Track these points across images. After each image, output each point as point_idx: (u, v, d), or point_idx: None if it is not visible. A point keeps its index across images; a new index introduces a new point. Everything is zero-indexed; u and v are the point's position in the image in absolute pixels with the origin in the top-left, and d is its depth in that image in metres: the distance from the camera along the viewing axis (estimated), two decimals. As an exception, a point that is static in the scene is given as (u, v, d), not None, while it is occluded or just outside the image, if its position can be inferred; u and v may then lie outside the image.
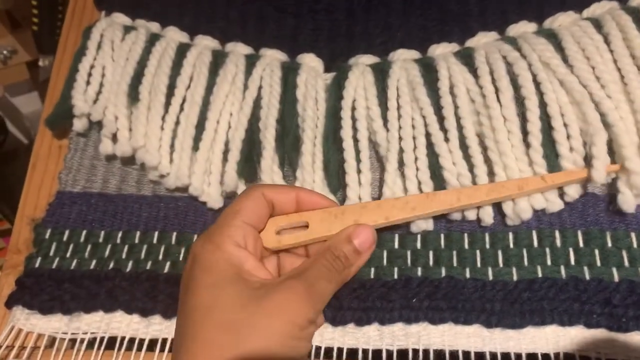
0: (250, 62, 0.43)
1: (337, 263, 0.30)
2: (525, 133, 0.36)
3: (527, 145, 0.36)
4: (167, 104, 0.42)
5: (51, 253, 0.40)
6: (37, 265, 0.40)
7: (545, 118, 0.36)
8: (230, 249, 0.29)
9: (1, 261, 0.78)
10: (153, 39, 0.45)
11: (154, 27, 0.47)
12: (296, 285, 0.29)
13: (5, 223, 0.85)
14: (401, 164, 0.38)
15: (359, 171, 0.39)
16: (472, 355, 0.33)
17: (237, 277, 0.29)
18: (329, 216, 0.33)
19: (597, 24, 0.39)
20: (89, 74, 0.44)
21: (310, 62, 0.44)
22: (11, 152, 0.95)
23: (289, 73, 0.43)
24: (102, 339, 0.37)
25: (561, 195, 0.35)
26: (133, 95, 0.43)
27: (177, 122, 0.42)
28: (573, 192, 0.35)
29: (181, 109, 0.42)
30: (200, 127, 0.41)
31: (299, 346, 0.28)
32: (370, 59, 0.43)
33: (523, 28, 0.40)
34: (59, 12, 0.90)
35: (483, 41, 0.41)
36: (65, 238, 0.41)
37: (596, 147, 0.34)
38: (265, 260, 0.33)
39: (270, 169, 0.39)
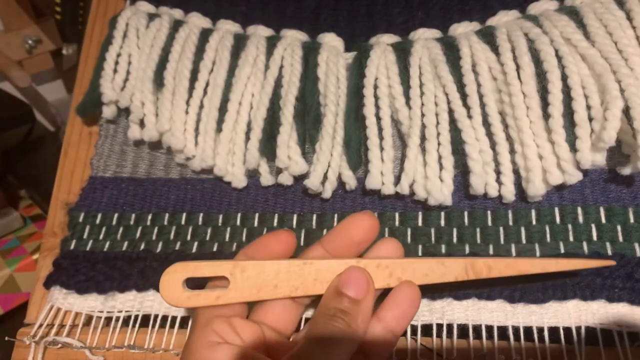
0: (271, 43, 0.44)
1: (335, 322, 0.26)
2: (546, 108, 0.36)
3: (547, 118, 0.36)
4: (191, 88, 0.43)
5: (85, 236, 0.42)
6: (72, 247, 0.41)
7: (566, 90, 0.36)
8: (204, 353, 0.26)
9: (34, 244, 0.81)
10: (176, 26, 0.46)
11: (177, 13, 0.48)
12: None
13: (35, 208, 0.88)
14: (423, 140, 0.38)
15: (381, 148, 0.39)
16: (495, 329, 0.34)
17: None
18: (295, 267, 0.28)
19: (619, 0, 0.38)
20: (116, 62, 0.45)
21: (331, 42, 0.44)
22: (38, 140, 0.98)
23: (310, 52, 0.43)
24: (136, 317, 0.39)
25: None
26: (158, 81, 0.44)
27: (201, 106, 0.43)
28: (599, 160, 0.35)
29: (205, 92, 0.43)
30: (223, 109, 0.42)
31: None
32: (391, 38, 0.43)
33: (544, 6, 0.40)
34: (81, 1, 0.92)
35: (504, 20, 0.41)
36: (98, 221, 0.42)
37: (610, 111, 0.33)
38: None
39: (286, 145, 0.40)
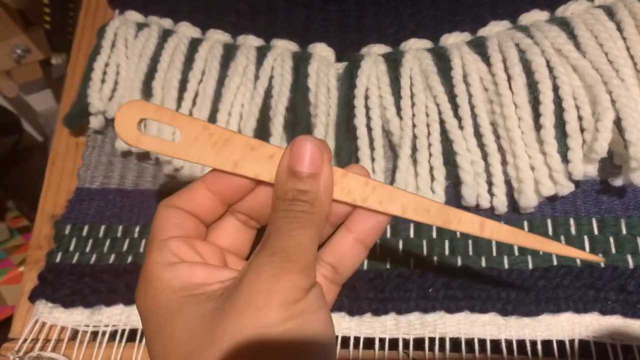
0: (262, 53, 0.44)
1: (297, 206, 0.24)
2: (537, 119, 0.36)
3: (539, 129, 0.36)
4: (180, 98, 0.43)
5: (71, 248, 0.41)
6: (58, 260, 0.41)
7: (558, 101, 0.36)
8: (163, 275, 0.24)
9: (21, 257, 0.80)
10: (165, 35, 0.46)
11: (167, 23, 0.47)
12: (263, 260, 0.23)
13: (23, 220, 0.87)
14: (414, 150, 0.38)
15: (372, 159, 0.39)
16: (488, 342, 0.34)
17: (186, 300, 0.24)
18: (253, 152, 0.25)
19: (609, 11, 0.38)
20: (104, 72, 0.44)
21: (322, 52, 0.44)
22: (26, 150, 0.97)
23: (301, 62, 0.43)
24: (123, 331, 0.38)
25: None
26: (147, 92, 0.43)
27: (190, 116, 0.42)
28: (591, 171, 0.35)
29: (194, 103, 0.43)
30: (212, 119, 0.42)
31: (303, 321, 0.22)
32: (382, 48, 0.43)
33: (536, 16, 0.40)
34: (70, 10, 0.91)
35: (495, 30, 0.41)
36: (84, 233, 0.42)
37: (601, 122, 0.33)
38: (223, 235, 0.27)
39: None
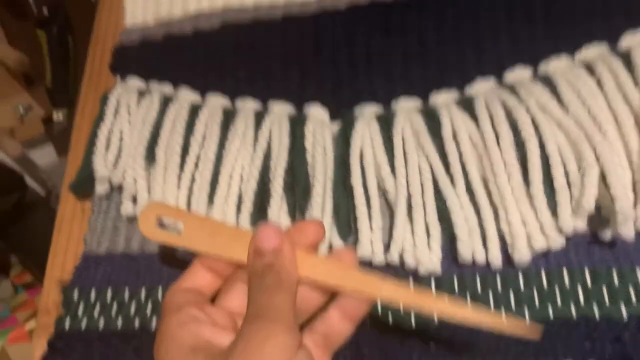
0: (259, 116, 0.46)
1: (267, 278, 0.28)
2: (526, 175, 0.38)
3: (529, 184, 0.37)
4: (183, 162, 0.44)
5: (79, 314, 0.42)
6: (66, 327, 0.41)
7: (545, 157, 0.38)
8: (175, 332, 0.28)
9: (27, 313, 0.81)
10: (166, 101, 0.48)
11: (167, 88, 0.49)
12: (250, 327, 0.27)
13: (27, 275, 0.87)
14: (410, 208, 0.39)
15: (370, 217, 0.40)
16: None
17: (194, 356, 0.27)
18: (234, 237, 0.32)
19: (590, 68, 0.40)
20: (108, 139, 0.46)
21: (317, 113, 0.46)
22: (29, 204, 0.98)
23: (297, 125, 0.45)
24: (132, 396, 0.38)
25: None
26: (150, 157, 0.45)
27: (193, 180, 0.44)
28: (581, 225, 0.36)
29: (196, 166, 0.44)
30: (214, 182, 0.43)
31: None
32: (374, 107, 0.45)
33: (520, 74, 0.42)
34: (71, 68, 0.94)
35: (482, 88, 0.43)
36: (92, 298, 0.43)
37: (587, 177, 0.35)
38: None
39: (277, 217, 0.41)
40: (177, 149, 0.45)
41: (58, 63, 0.92)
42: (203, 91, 0.49)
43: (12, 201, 0.88)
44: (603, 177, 0.35)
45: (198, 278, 0.32)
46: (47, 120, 0.97)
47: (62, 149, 0.99)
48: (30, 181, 1.00)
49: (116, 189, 0.47)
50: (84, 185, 0.46)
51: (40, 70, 0.92)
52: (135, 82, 0.50)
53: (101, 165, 0.45)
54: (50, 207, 0.97)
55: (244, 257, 0.31)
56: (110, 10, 0.55)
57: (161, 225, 0.34)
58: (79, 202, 0.48)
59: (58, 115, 0.96)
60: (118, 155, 0.46)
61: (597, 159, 0.36)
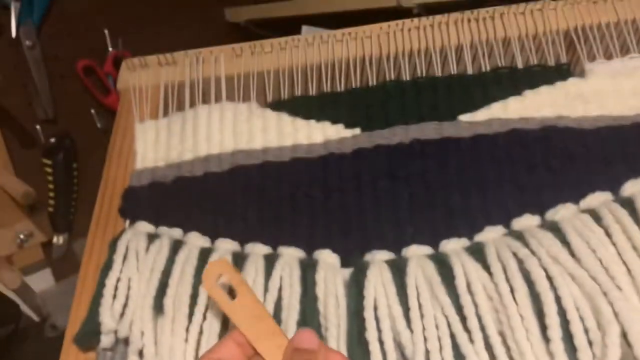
0: (269, 262, 0.45)
1: None
2: (543, 328, 0.37)
3: (547, 340, 0.37)
4: (191, 313, 0.43)
5: None
6: None
7: (561, 312, 0.37)
8: None
9: None
10: (176, 247, 0.47)
11: (177, 233, 0.49)
12: None
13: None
14: (428, 364, 0.38)
15: (387, 374, 0.39)
16: None
17: None
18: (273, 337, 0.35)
19: (596, 216, 0.41)
20: (116, 288, 0.46)
21: (327, 259, 0.46)
22: (22, 331, 0.95)
23: (308, 271, 0.45)
24: None
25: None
26: (158, 308, 0.44)
27: (201, 332, 0.43)
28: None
29: (204, 317, 0.43)
30: (222, 334, 0.42)
31: None
32: (385, 254, 0.45)
33: (528, 222, 0.43)
34: (74, 192, 0.95)
35: (491, 236, 0.43)
36: None
37: (608, 337, 0.35)
38: None
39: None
40: (186, 300, 0.44)
41: (62, 189, 0.93)
42: (213, 236, 0.49)
43: (4, 334, 0.85)
44: (623, 335, 0.35)
45: (227, 349, 0.36)
46: (47, 245, 0.96)
47: (60, 274, 0.98)
48: (24, 307, 0.97)
49: (121, 341, 0.45)
50: (89, 337, 0.45)
51: (43, 195, 0.93)
52: (144, 226, 0.50)
53: (108, 317, 0.44)
54: (43, 334, 0.94)
55: (272, 356, 0.34)
56: (119, 156, 0.56)
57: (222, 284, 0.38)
58: (81, 353, 0.47)
59: (59, 240, 0.95)
60: (125, 305, 0.45)
61: (616, 315, 0.35)
